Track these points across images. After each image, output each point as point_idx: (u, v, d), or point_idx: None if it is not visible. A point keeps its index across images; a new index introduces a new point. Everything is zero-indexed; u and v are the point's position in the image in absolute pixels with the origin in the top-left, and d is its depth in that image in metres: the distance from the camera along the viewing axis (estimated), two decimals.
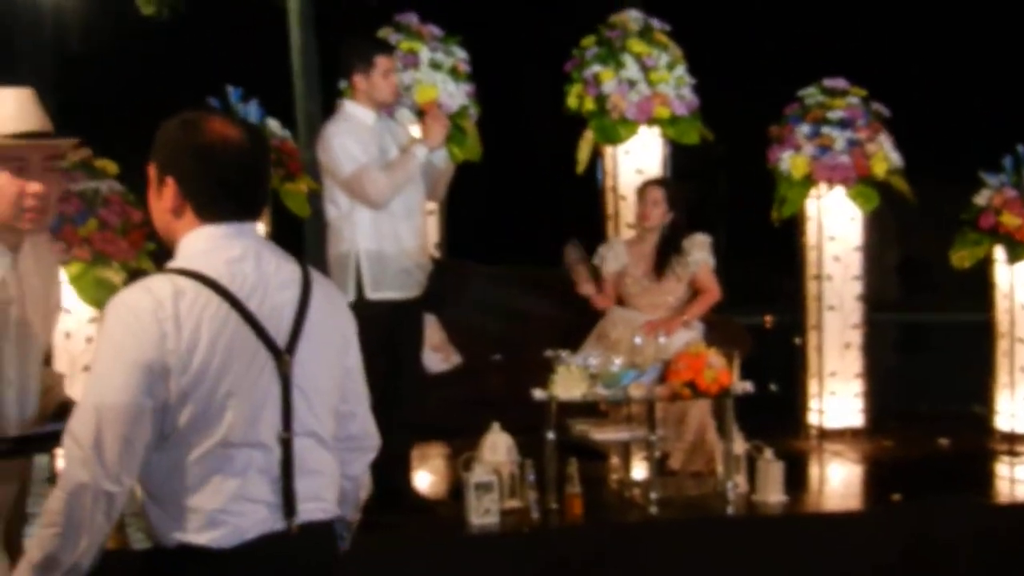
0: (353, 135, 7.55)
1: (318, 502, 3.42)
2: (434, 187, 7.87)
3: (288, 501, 3.31)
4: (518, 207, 21.63)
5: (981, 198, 10.28)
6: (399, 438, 7.98)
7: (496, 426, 7.66)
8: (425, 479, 8.38)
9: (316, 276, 3.52)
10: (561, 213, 11.21)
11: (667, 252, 8.84)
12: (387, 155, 7.55)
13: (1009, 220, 10.04)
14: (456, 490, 7.78)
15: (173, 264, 3.34)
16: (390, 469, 8.05)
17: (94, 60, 20.80)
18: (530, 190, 21.17)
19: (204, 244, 3.34)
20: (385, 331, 7.36)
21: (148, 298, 3.20)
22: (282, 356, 3.31)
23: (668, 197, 8.92)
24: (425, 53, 9.55)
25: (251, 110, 9.13)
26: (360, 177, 7.40)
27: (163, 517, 3.25)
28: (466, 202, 10.22)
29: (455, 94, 9.57)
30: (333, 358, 3.50)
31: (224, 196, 3.39)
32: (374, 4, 19.39)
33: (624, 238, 9.10)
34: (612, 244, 9.13)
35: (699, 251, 8.80)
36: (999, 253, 10.29)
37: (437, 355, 8.80)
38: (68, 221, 8.31)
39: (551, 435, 7.51)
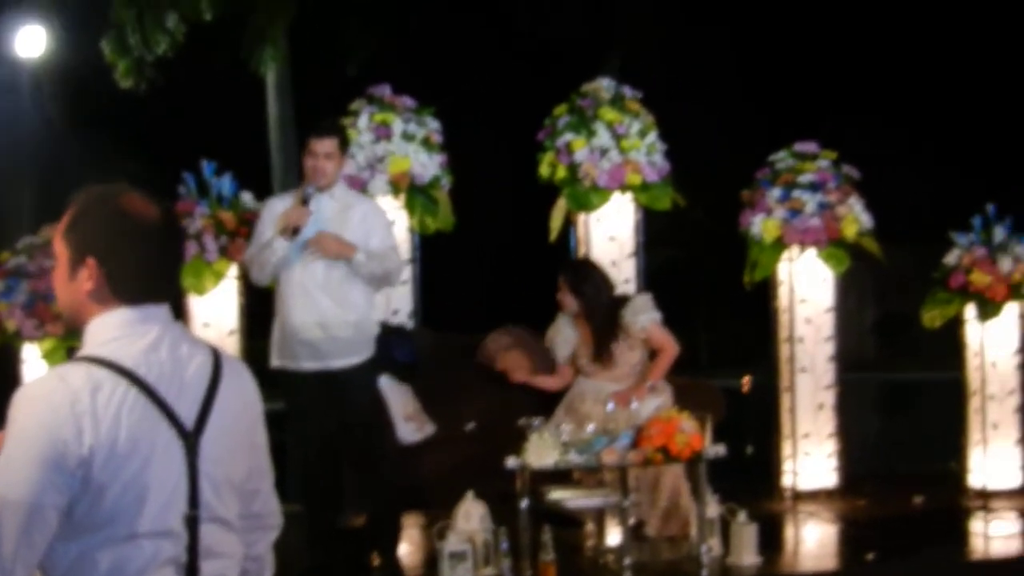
0: (269, 212, 8.04)
1: None
2: (374, 283, 7.98)
3: None
4: (491, 276, 21.72)
5: (951, 257, 10.40)
6: (382, 510, 8.13)
7: (470, 495, 7.71)
8: (400, 548, 8.40)
9: (225, 357, 3.42)
10: (534, 282, 11.23)
11: (600, 337, 8.80)
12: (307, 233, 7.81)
13: (979, 279, 10.16)
14: (431, 559, 7.83)
15: (86, 351, 3.21)
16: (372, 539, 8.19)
17: (72, 131, 20.86)
18: (503, 259, 21.26)
19: (117, 330, 3.22)
20: (298, 398, 8.00)
21: (64, 390, 3.07)
22: (189, 439, 3.21)
23: (569, 284, 8.90)
24: (398, 125, 9.63)
25: (224, 184, 9.24)
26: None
27: None
28: (439, 271, 10.31)
29: (428, 164, 9.65)
30: (241, 437, 3.39)
31: (145, 277, 3.29)
32: (352, 75, 19.60)
33: (571, 315, 9.01)
34: (560, 327, 9.05)
35: (643, 313, 8.71)
36: (970, 312, 10.39)
37: (410, 424, 8.83)
38: (40, 298, 8.38)
39: (524, 503, 7.55)
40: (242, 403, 3.41)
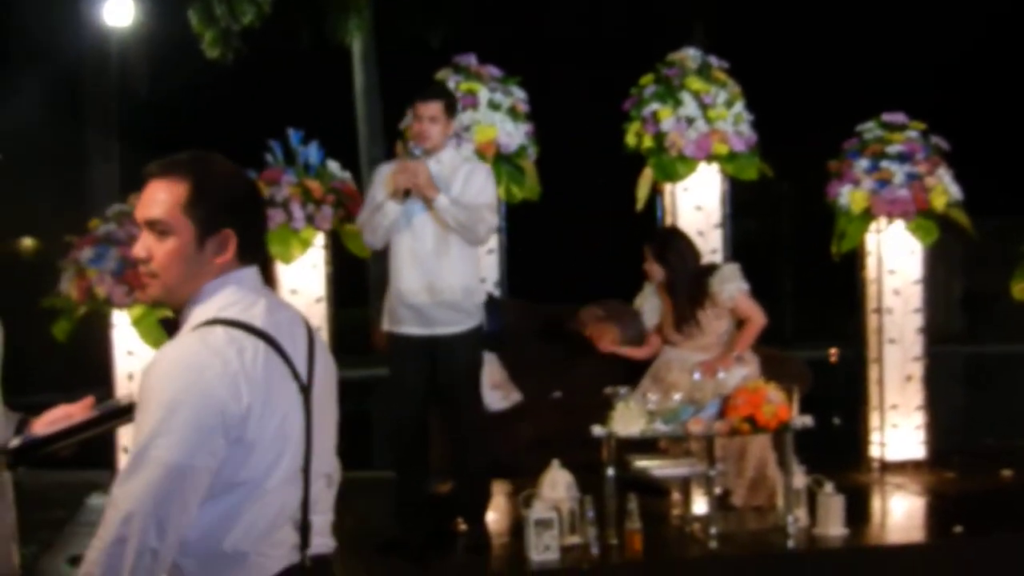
0: (380, 176, 8.02)
1: (324, 537, 3.44)
2: (459, 231, 7.94)
3: (305, 535, 3.33)
4: (577, 245, 21.71)
5: None
6: (472, 477, 8.15)
7: (556, 463, 7.72)
8: (487, 516, 8.41)
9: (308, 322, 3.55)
10: (620, 251, 11.20)
11: (685, 306, 8.77)
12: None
13: None
14: (517, 527, 7.85)
15: (212, 315, 3.25)
16: (462, 509, 8.23)
17: (158, 103, 21.02)
18: (589, 228, 21.23)
19: (236, 294, 3.30)
20: (401, 362, 7.99)
21: (210, 353, 3.14)
22: (306, 393, 3.32)
23: (655, 253, 8.88)
24: (484, 94, 9.63)
25: (311, 152, 9.27)
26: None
27: (196, 567, 3.22)
28: (526, 241, 10.30)
29: (514, 134, 9.63)
30: (332, 395, 3.51)
31: (262, 241, 3.47)
32: (435, 46, 19.62)
33: (656, 284, 8.97)
34: (646, 296, 9.03)
35: (730, 283, 8.66)
36: None
37: (497, 393, 8.84)
38: (130, 265, 8.43)
39: (611, 471, 7.55)
40: (328, 362, 3.51)
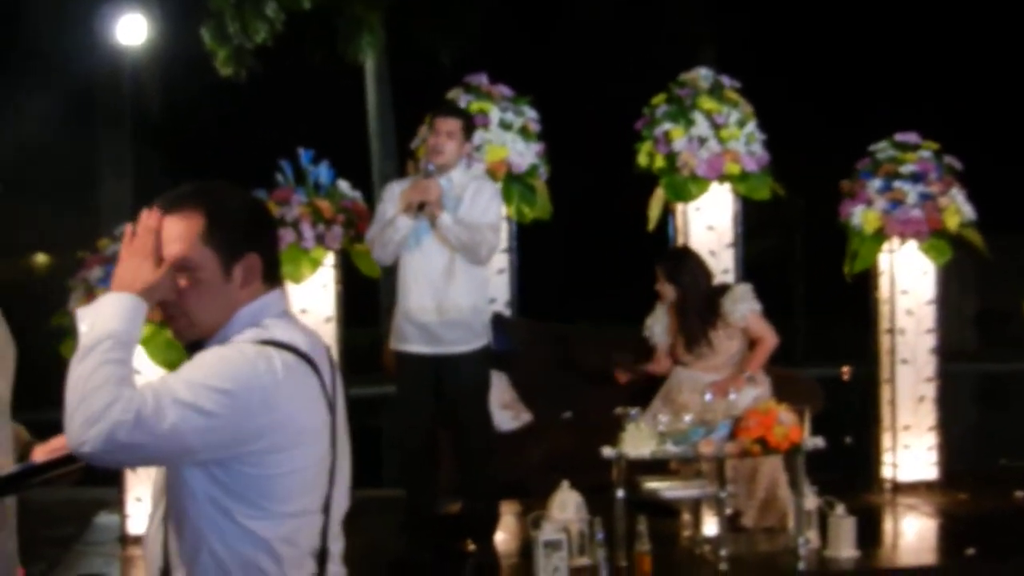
0: (390, 193, 8.11)
1: (337, 565, 3.38)
2: (460, 251, 7.92)
3: (322, 564, 3.28)
4: (589, 265, 21.70)
5: None
6: (481, 497, 8.16)
7: (565, 484, 7.70)
8: (496, 536, 8.40)
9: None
10: (632, 271, 11.20)
11: (697, 326, 8.74)
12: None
13: None
14: (526, 548, 7.82)
15: (253, 336, 3.19)
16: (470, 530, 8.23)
17: (171, 121, 21.06)
18: (601, 249, 21.22)
19: (274, 315, 3.27)
20: (408, 382, 8.10)
21: (267, 369, 3.10)
22: (333, 417, 3.28)
23: (667, 273, 8.86)
24: (495, 113, 9.63)
25: (322, 171, 9.26)
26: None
27: None
28: (537, 261, 10.29)
29: (525, 153, 9.62)
30: (345, 419, 3.44)
31: (278, 263, 3.41)
32: (447, 64, 19.64)
33: (668, 304, 8.97)
34: (658, 316, 9.00)
35: (742, 303, 8.66)
36: None
37: (507, 413, 8.84)
38: None
39: (620, 493, 7.53)
40: (341, 386, 3.46)
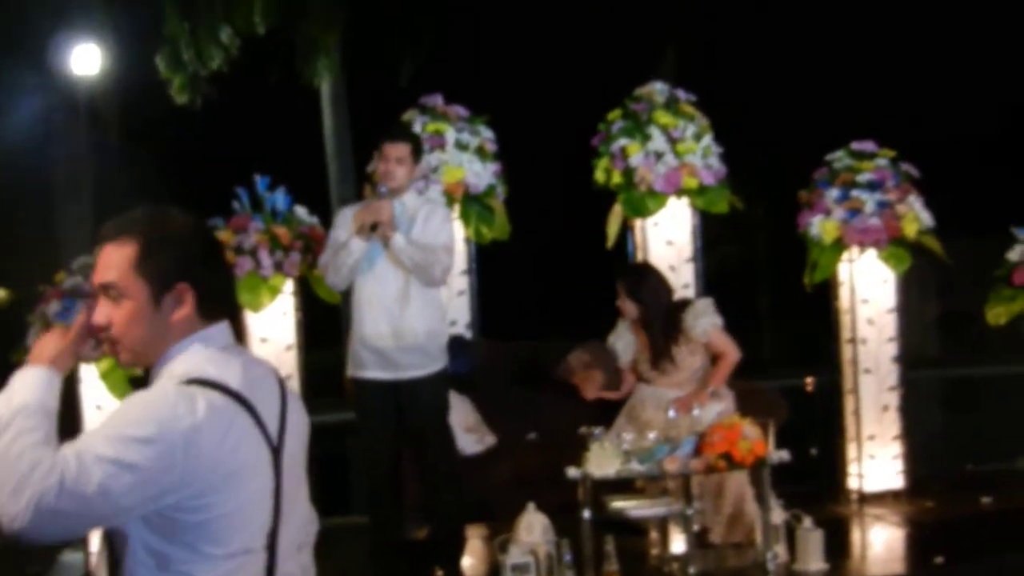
0: (343, 218, 8.17)
1: None
2: (414, 272, 7.91)
3: None
4: (549, 285, 21.71)
5: (1014, 254, 10.28)
6: (447, 522, 8.15)
7: (531, 506, 7.66)
8: (463, 561, 8.36)
9: (280, 376, 3.45)
10: (593, 288, 11.19)
11: (660, 342, 8.74)
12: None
13: None
14: (494, 572, 7.79)
15: (185, 375, 3.14)
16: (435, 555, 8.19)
17: (130, 150, 20.98)
18: (561, 267, 21.24)
19: (211, 352, 3.22)
20: (367, 408, 8.10)
21: (186, 411, 3.03)
22: (277, 455, 3.22)
23: (628, 290, 8.84)
24: (451, 134, 9.61)
25: (278, 198, 9.22)
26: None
27: None
28: (497, 282, 10.27)
29: (482, 174, 9.61)
30: (303, 456, 3.41)
31: (227, 294, 3.38)
32: (404, 86, 19.62)
33: (630, 321, 8.97)
34: (620, 333, 9.00)
35: (703, 317, 8.66)
36: None
37: (471, 436, 8.82)
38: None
39: (587, 513, 7.49)
40: (301, 424, 3.43)
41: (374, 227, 7.75)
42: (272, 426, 3.23)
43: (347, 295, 8.32)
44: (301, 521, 3.38)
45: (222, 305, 3.33)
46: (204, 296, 3.25)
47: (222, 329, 3.30)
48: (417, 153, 8.15)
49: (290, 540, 3.30)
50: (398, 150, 7.99)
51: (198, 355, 3.21)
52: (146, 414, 3.02)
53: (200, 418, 3.03)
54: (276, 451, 3.22)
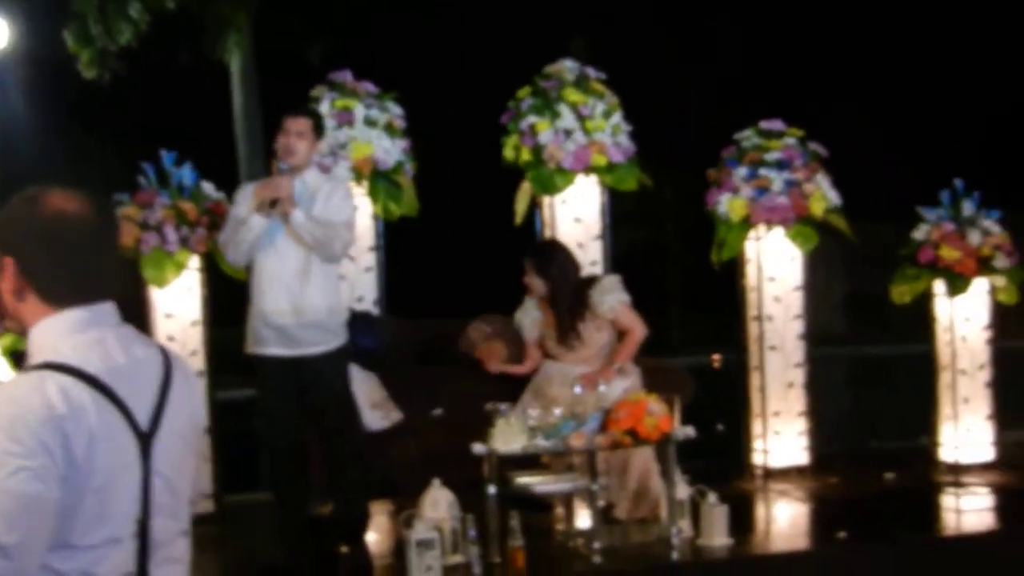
0: (243, 194, 8.17)
1: None
2: (315, 248, 7.90)
3: None
4: (457, 261, 21.73)
5: (920, 232, 10.37)
6: (350, 498, 8.13)
7: (437, 482, 7.64)
8: (367, 537, 8.34)
9: (175, 359, 3.34)
10: (500, 265, 11.19)
11: (567, 318, 8.79)
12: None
13: (948, 254, 10.15)
14: (399, 548, 7.77)
15: (40, 358, 3.07)
16: (342, 530, 8.18)
17: (37, 126, 20.75)
18: (469, 244, 21.25)
19: (62, 335, 3.11)
20: (268, 385, 8.06)
21: (38, 400, 2.95)
22: (144, 440, 3.12)
23: (535, 266, 8.90)
24: (360, 110, 9.55)
25: (185, 174, 9.14)
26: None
27: None
28: (404, 258, 10.24)
29: (391, 150, 9.55)
30: (189, 442, 3.32)
31: (72, 277, 3.16)
32: (315, 63, 19.54)
33: (537, 298, 9.00)
34: (527, 309, 9.06)
35: (610, 294, 8.71)
36: (939, 287, 10.38)
37: (377, 412, 8.80)
38: None
39: (492, 489, 7.49)
40: (190, 407, 3.35)
41: (274, 203, 7.74)
42: (140, 410, 3.14)
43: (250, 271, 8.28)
44: (182, 511, 3.29)
45: (74, 288, 3.17)
46: (37, 277, 3.13)
47: (79, 313, 3.15)
48: (319, 129, 8.17)
49: (164, 529, 3.20)
50: (299, 124, 8.00)
51: (46, 338, 3.13)
52: (6, 415, 2.95)
53: (54, 406, 2.96)
54: (144, 436, 3.13)
